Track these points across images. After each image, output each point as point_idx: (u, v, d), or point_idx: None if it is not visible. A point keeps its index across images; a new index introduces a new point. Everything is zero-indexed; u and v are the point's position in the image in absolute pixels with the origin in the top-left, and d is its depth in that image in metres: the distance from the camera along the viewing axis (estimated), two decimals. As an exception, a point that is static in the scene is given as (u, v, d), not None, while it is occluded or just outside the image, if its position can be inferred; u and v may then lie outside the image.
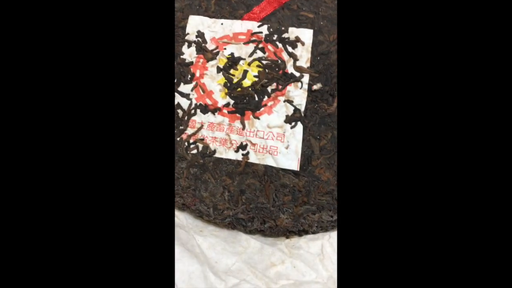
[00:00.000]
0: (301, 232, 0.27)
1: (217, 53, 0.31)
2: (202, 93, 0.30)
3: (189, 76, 0.30)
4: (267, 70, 0.30)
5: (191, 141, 0.29)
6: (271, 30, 0.31)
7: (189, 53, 0.31)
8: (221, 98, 0.29)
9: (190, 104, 0.29)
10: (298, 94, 0.29)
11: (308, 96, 0.29)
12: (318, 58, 0.30)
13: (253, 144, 0.28)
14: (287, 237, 0.27)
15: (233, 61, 0.30)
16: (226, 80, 0.30)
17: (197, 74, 0.30)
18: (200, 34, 0.31)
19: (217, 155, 0.28)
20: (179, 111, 0.29)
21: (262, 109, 0.29)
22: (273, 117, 0.29)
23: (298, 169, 0.28)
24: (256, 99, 0.29)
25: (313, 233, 0.27)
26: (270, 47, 0.30)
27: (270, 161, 0.28)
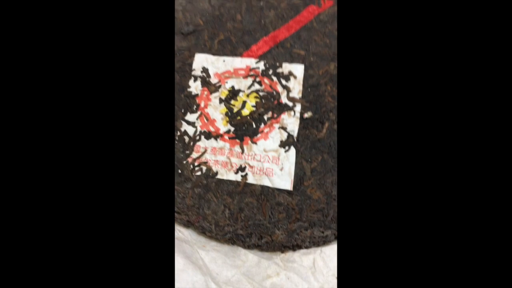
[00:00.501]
0: (295, 247, 0.30)
1: (220, 86, 0.35)
2: (206, 121, 0.34)
3: (195, 107, 0.34)
4: (263, 101, 0.34)
5: (195, 164, 0.32)
6: (267, 65, 0.36)
7: (195, 86, 0.35)
8: (222, 126, 0.33)
9: (195, 131, 0.33)
10: (291, 122, 0.33)
11: (300, 123, 0.32)
12: (309, 89, 0.34)
13: (251, 167, 0.31)
14: (282, 252, 0.30)
15: (233, 93, 0.34)
16: (227, 110, 0.33)
17: (202, 105, 0.34)
18: (204, 70, 0.36)
19: (219, 176, 0.31)
20: (186, 137, 0.33)
21: (259, 135, 0.32)
22: (269, 142, 0.32)
23: (292, 189, 0.30)
24: (254, 126, 0.32)
25: (306, 247, 0.30)
26: (266, 80, 0.34)
27: (266, 182, 0.31)
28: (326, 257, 0.29)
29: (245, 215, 0.30)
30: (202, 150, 0.32)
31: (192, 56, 0.37)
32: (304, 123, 0.33)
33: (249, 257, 0.29)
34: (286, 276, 0.27)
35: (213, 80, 0.35)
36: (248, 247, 0.30)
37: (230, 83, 0.35)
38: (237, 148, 0.32)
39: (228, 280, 0.27)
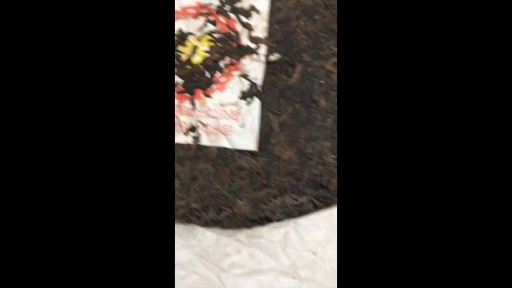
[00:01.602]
0: (263, 220, 0.27)
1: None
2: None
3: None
4: (219, 44, 0.31)
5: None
6: (223, 0, 0.32)
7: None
8: (170, 79, 0.30)
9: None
10: (254, 68, 0.30)
11: (265, 68, 0.30)
12: (276, 26, 0.31)
13: (205, 125, 0.29)
14: (248, 227, 0.27)
15: (181, 38, 0.31)
16: (174, 59, 0.31)
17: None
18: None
19: (167, 140, 0.29)
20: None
21: (214, 86, 0.30)
22: (226, 94, 0.30)
23: (256, 149, 0.28)
24: (208, 76, 0.30)
25: (277, 220, 0.27)
26: (222, 19, 0.31)
27: (223, 142, 0.29)
28: (302, 230, 0.27)
29: (199, 184, 0.28)
30: (144, 109, 0.29)
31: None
32: (270, 68, 0.30)
33: (207, 236, 0.27)
34: (249, 253, 0.26)
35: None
36: (206, 224, 0.28)
37: (176, 25, 0.32)
38: (187, 104, 0.30)
39: (177, 262, 0.24)
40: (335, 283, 0.24)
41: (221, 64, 0.30)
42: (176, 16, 0.32)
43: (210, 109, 0.29)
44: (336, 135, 0.29)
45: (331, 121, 0.29)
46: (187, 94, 0.30)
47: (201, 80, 0.30)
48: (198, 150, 0.28)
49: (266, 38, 0.31)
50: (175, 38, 0.31)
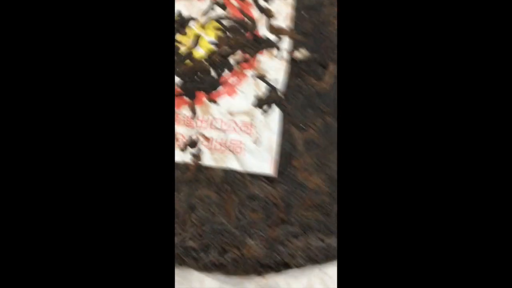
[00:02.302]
0: (280, 266, 0.24)
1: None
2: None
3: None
4: (229, 34, 0.28)
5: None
6: None
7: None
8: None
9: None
10: (274, 66, 0.27)
11: (288, 68, 0.27)
12: (304, 13, 0.29)
13: (207, 139, 0.26)
14: (259, 274, 0.25)
15: (180, 24, 0.28)
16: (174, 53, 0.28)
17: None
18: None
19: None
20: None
21: (221, 88, 0.27)
22: (237, 100, 0.27)
23: (273, 173, 0.25)
24: (213, 75, 0.27)
25: (298, 266, 0.24)
26: (234, 1, 0.29)
27: (232, 163, 0.26)
28: (328, 279, 0.24)
29: (198, 216, 0.25)
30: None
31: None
32: (295, 67, 0.28)
33: (206, 283, 0.24)
34: None
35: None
36: (205, 267, 0.25)
37: (176, 7, 0.29)
38: (186, 111, 0.27)
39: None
40: None
41: (232, 60, 0.27)
42: (175, -5, 0.30)
43: (215, 119, 0.26)
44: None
45: (370, 140, 0.26)
46: (186, 98, 0.27)
47: (204, 81, 0.27)
48: (198, 172, 0.26)
49: (290, 29, 0.28)
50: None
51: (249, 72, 0.27)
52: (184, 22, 0.28)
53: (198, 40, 0.28)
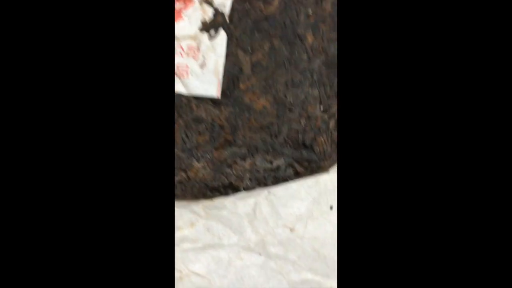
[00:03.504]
0: (227, 189, 0.26)
1: None
2: None
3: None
4: None
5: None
6: None
7: None
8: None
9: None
10: None
11: None
12: None
13: None
14: (208, 197, 0.26)
15: None
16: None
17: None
18: None
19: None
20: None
21: None
22: (182, 25, 0.28)
23: (219, 96, 0.27)
24: None
25: (246, 188, 0.26)
26: None
27: (177, 87, 0.27)
28: (276, 200, 0.26)
29: None
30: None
31: None
32: None
33: None
34: (205, 226, 0.25)
35: None
36: None
37: None
38: None
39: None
40: (315, 264, 0.24)
41: None
42: None
43: None
44: (325, 81, 0.27)
45: (319, 63, 0.27)
46: (131, 24, 0.28)
47: None
48: None
49: None
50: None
51: None
52: None
53: (142, -34, 0.30)
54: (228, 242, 0.24)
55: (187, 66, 0.27)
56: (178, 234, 0.24)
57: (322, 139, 0.27)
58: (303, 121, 0.27)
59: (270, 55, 0.28)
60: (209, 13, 0.28)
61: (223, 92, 0.27)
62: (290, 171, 0.27)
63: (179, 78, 0.27)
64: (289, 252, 0.24)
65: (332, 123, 0.28)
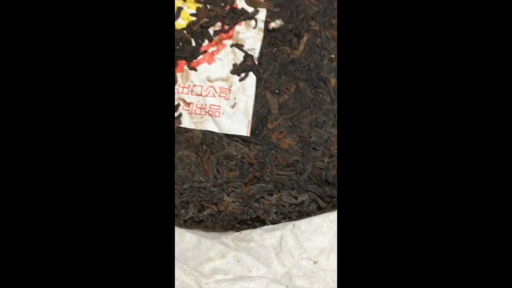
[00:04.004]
0: (255, 222, 0.27)
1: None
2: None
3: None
4: (208, 6, 0.31)
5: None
6: None
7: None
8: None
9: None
10: (251, 36, 0.30)
11: (264, 37, 0.30)
12: None
13: (187, 104, 0.29)
14: (237, 230, 0.27)
15: None
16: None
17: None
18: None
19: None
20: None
21: (201, 57, 0.30)
22: (215, 67, 0.29)
23: (249, 135, 0.28)
24: (193, 44, 0.30)
25: (272, 222, 0.27)
26: None
27: (210, 125, 0.28)
28: (301, 234, 0.27)
29: (178, 175, 0.28)
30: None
31: None
32: (270, 37, 0.30)
33: (186, 238, 0.27)
34: (236, 258, 0.26)
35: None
36: (185, 223, 0.27)
37: None
38: None
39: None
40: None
41: (211, 30, 0.30)
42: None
43: (194, 85, 0.29)
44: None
45: (341, 105, 0.29)
46: (167, 66, 0.30)
47: (185, 50, 0.30)
48: (178, 134, 0.28)
49: (267, 1, 0.31)
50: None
51: (228, 42, 0.30)
52: (166, -5, 0.33)
53: (179, 12, 0.31)
54: (257, 274, 0.24)
55: (219, 107, 0.29)
56: (210, 265, 0.25)
57: (344, 176, 0.28)
58: (326, 160, 0.28)
59: (296, 96, 0.29)
60: (239, 56, 0.30)
61: (252, 131, 0.28)
62: (313, 206, 0.27)
63: (212, 117, 0.29)
64: (314, 284, 0.24)
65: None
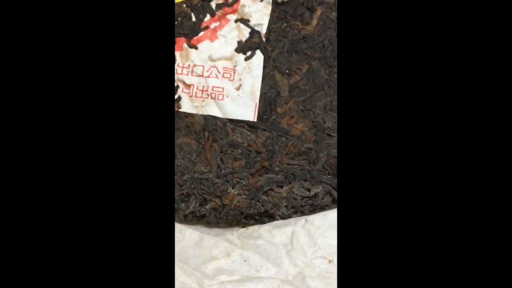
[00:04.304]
0: (263, 217, 0.26)
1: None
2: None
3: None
4: None
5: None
6: None
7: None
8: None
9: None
10: (258, 10, 0.29)
11: (273, 11, 0.29)
12: None
13: (187, 86, 0.28)
14: (243, 226, 0.26)
15: None
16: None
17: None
18: None
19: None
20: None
21: (202, 33, 0.29)
22: (218, 45, 0.28)
23: (256, 120, 0.27)
24: (193, 19, 0.29)
25: (282, 217, 0.26)
26: None
27: (213, 110, 0.27)
28: (314, 230, 0.26)
29: (177, 165, 0.27)
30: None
31: None
32: (280, 11, 0.29)
33: (186, 235, 0.26)
34: (242, 257, 0.25)
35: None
36: (185, 218, 0.26)
37: None
38: None
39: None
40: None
41: (213, 4, 0.29)
42: None
43: (195, 65, 0.28)
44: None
45: (359, 86, 0.28)
46: (165, 44, 0.29)
47: (184, 25, 0.29)
48: (177, 119, 0.27)
49: None
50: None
51: (232, 17, 0.29)
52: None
53: (177, -16, 0.30)
54: (265, 274, 0.24)
55: (222, 89, 0.28)
56: (213, 265, 0.25)
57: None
58: (342, 147, 0.27)
59: (308, 77, 0.28)
60: (245, 32, 0.29)
61: (260, 116, 0.27)
62: (328, 199, 0.26)
63: (215, 100, 0.28)
64: (329, 285, 0.24)
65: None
